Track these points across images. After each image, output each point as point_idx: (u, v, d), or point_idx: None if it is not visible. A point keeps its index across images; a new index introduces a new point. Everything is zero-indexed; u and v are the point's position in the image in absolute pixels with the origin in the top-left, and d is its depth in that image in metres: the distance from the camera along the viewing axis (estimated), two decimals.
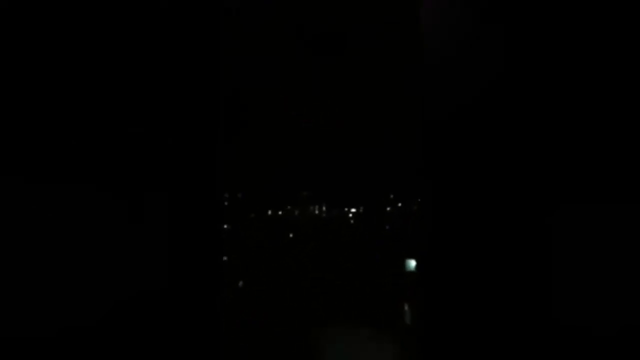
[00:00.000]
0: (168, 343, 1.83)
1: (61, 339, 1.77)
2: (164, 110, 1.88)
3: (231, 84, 2.63)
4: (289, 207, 2.86)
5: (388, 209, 2.65)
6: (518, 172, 1.74)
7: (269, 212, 2.85)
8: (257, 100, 2.73)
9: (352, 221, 2.71)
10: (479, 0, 1.83)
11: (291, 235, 2.81)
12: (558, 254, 1.69)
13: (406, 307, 2.57)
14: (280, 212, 2.86)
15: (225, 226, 2.76)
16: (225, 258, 2.68)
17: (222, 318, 1.88)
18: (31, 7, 1.75)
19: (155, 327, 1.82)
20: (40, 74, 1.78)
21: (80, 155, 1.79)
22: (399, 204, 2.60)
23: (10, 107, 1.76)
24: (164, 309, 1.84)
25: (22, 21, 1.77)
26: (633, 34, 1.64)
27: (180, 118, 1.89)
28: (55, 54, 1.77)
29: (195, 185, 1.89)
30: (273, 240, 2.80)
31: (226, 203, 2.80)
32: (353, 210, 2.72)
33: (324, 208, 2.82)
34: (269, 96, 2.73)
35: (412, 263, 2.54)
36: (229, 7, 2.04)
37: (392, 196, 2.66)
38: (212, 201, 1.91)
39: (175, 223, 1.87)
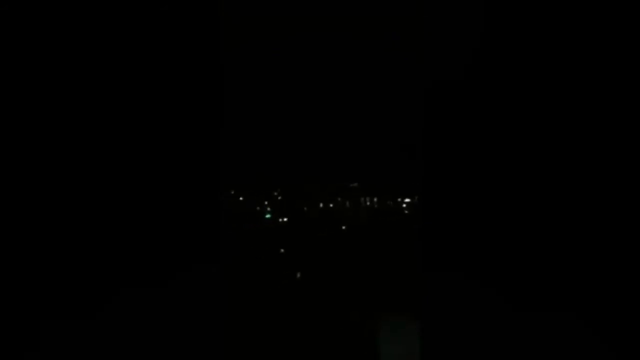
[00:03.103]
0: (167, 342, 1.85)
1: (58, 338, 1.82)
2: (164, 109, 1.89)
3: (250, 82, 2.66)
4: (339, 199, 2.90)
5: None
6: (516, 172, 1.77)
7: (321, 205, 2.89)
8: (293, 97, 2.77)
9: (406, 211, 2.72)
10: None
11: (343, 228, 2.84)
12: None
13: None
14: (331, 205, 2.89)
15: (280, 220, 2.82)
16: (282, 250, 2.73)
17: (223, 321, 1.90)
18: (40, 9, 1.76)
19: (153, 326, 1.85)
20: (41, 73, 1.81)
21: (80, 154, 1.81)
22: None
23: (9, 107, 1.79)
24: (163, 308, 1.87)
25: (25, 22, 1.79)
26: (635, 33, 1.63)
27: (181, 116, 1.90)
28: (55, 51, 1.79)
29: (196, 185, 1.91)
30: (326, 233, 2.84)
31: (279, 198, 2.86)
32: (407, 200, 2.73)
33: (375, 199, 2.85)
34: (309, 89, 2.76)
35: None
36: (229, 4, 2.04)
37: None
38: (212, 201, 1.93)
39: (174, 222, 1.89)
